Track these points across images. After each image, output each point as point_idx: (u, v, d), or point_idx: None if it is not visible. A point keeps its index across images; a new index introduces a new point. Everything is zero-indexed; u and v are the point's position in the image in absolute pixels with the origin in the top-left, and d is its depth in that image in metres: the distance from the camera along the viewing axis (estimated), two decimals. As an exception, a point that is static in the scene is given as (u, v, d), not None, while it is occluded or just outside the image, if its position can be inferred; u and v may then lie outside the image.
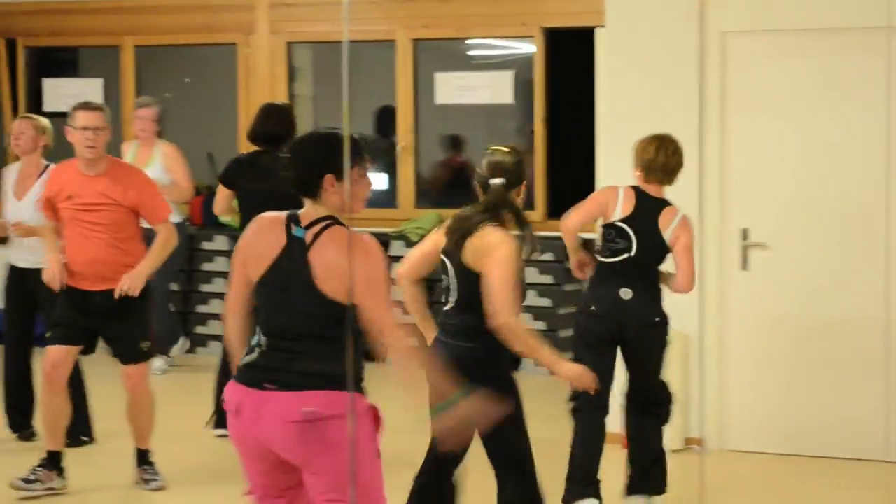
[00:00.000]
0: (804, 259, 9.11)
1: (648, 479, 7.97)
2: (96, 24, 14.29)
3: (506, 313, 6.21)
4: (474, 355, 6.41)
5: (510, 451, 6.54)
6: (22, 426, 9.82)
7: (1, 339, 10.54)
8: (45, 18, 14.39)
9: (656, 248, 7.75)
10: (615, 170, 8.58)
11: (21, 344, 9.87)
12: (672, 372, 8.28)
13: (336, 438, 5.23)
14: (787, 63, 9.11)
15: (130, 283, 8.38)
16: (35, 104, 14.45)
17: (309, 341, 5.34)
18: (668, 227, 7.68)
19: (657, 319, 7.87)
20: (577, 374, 6.66)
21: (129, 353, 8.73)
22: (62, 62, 15.07)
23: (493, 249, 6.28)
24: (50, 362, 8.45)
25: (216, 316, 13.20)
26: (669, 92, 9.05)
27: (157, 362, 12.28)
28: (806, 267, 9.10)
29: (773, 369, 9.15)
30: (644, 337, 7.87)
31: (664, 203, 7.74)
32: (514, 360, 6.73)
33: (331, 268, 5.19)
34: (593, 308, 7.86)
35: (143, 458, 8.85)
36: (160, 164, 11.44)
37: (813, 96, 9.06)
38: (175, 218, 10.92)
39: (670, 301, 8.00)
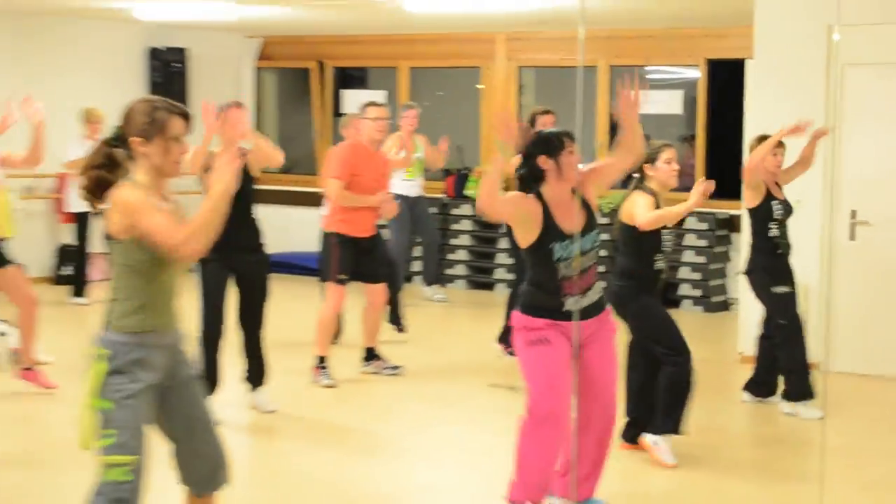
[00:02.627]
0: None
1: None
2: (381, 51, 14.52)
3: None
4: (623, 291, 6.61)
5: (666, 344, 6.66)
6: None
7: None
8: (345, 46, 14.67)
9: None
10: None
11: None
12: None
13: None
14: (890, 87, 9.02)
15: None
16: (335, 108, 14.83)
17: None
18: None
19: None
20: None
21: (379, 277, 8.85)
22: (355, 78, 15.33)
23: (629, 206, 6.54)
24: (343, 295, 8.69)
25: (462, 262, 13.59)
26: (801, 109, 8.78)
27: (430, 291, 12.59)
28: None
29: (871, 310, 9.04)
30: None
31: None
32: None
33: None
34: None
35: (373, 353, 9.03)
36: (421, 148, 11.67)
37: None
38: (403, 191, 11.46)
39: (797, 260, 8.03)
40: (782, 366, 7.92)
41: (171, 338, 4.44)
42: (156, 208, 4.24)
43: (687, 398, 6.73)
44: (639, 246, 6.54)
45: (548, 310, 5.47)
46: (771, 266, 7.84)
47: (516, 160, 5.59)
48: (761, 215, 7.82)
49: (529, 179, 5.50)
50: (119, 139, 4.39)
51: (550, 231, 5.43)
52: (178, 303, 4.49)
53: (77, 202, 11.59)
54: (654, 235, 6.51)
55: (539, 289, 5.54)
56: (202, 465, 4.56)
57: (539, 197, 5.47)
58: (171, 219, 4.27)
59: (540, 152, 5.46)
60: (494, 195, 5.34)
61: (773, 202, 7.80)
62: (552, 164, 5.43)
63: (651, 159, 6.62)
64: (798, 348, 7.83)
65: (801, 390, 7.85)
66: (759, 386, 8.17)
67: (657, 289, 6.75)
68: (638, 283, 6.63)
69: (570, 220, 5.47)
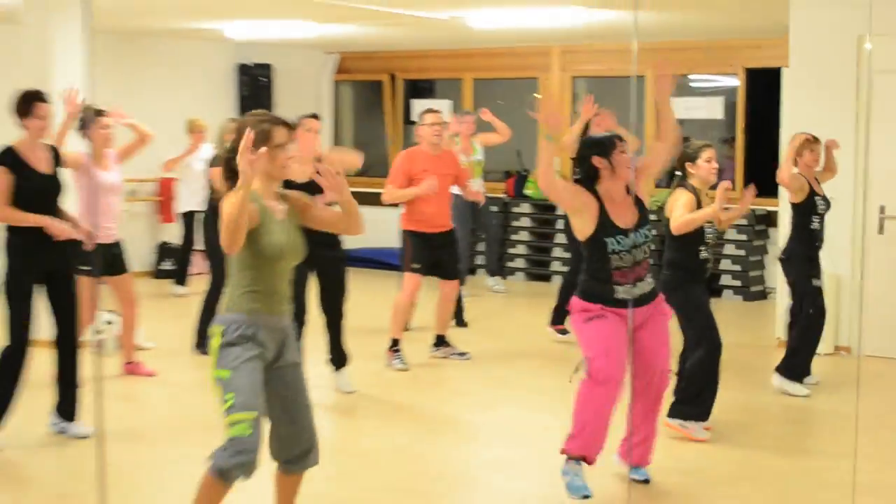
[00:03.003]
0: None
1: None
2: (447, 64, 14.49)
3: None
4: (670, 280, 6.53)
5: (699, 333, 6.57)
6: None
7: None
8: (414, 60, 14.65)
9: None
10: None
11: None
12: (827, 300, 8.11)
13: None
14: None
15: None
16: (405, 116, 14.82)
17: None
18: None
19: None
20: None
21: (454, 273, 8.83)
22: (423, 89, 15.26)
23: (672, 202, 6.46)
24: (417, 284, 8.65)
25: (521, 255, 13.52)
26: (832, 113, 8.86)
27: (492, 282, 12.51)
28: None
29: None
30: None
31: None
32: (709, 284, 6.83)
33: None
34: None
35: (443, 340, 8.99)
36: (480, 150, 11.60)
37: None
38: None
39: (831, 252, 7.94)
40: (793, 344, 7.84)
41: (280, 322, 4.58)
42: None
43: (713, 387, 6.64)
44: (683, 238, 6.44)
45: (602, 297, 5.48)
46: (809, 257, 7.75)
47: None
48: (805, 210, 7.71)
49: (585, 178, 5.52)
50: (234, 150, 4.47)
51: (605, 226, 5.46)
52: (287, 292, 4.60)
53: (184, 202, 11.70)
54: (696, 229, 6.43)
55: (594, 278, 5.55)
56: (296, 445, 4.65)
57: (595, 194, 5.48)
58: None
59: (594, 153, 5.51)
60: (550, 173, 5.37)
61: (816, 197, 7.71)
62: (606, 163, 5.47)
63: (692, 158, 6.58)
64: (815, 334, 7.82)
65: (800, 370, 7.82)
66: None
67: (704, 278, 6.67)
68: (684, 272, 6.56)
69: (624, 216, 5.50)
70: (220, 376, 4.43)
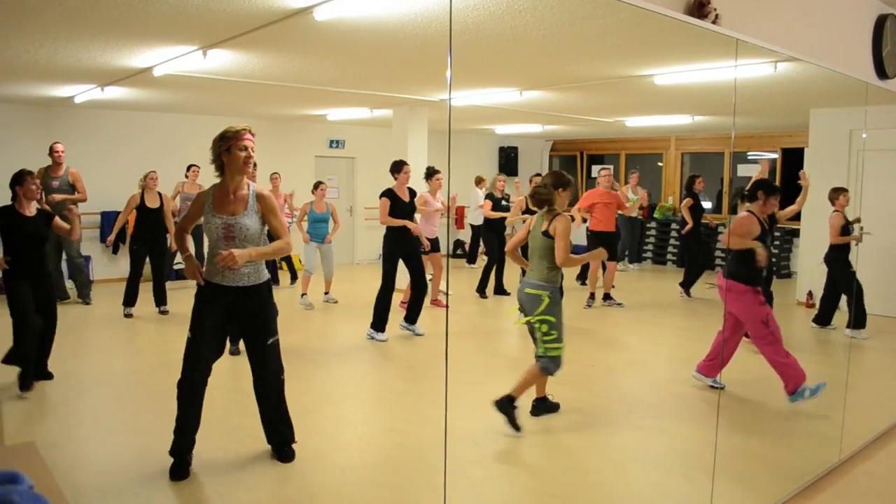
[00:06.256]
0: (887, 236, 8.27)
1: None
2: (611, 146, 14.31)
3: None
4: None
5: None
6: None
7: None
8: (593, 143, 14.51)
9: None
10: (815, 206, 7.94)
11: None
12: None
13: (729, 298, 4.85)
14: (888, 157, 8.31)
15: None
16: (587, 174, 14.68)
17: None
18: None
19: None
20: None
21: (616, 256, 8.35)
22: (598, 160, 15.01)
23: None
24: (598, 266, 8.48)
25: (649, 250, 13.07)
26: (833, 175, 8.37)
27: (632, 266, 12.16)
28: (888, 239, 8.28)
29: (881, 273, 8.27)
30: None
31: None
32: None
33: None
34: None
35: (608, 296, 8.47)
36: (640, 194, 11.36)
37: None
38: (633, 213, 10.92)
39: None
40: (821, 304, 7.37)
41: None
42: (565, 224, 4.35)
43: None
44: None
45: (757, 280, 4.92)
46: (846, 258, 7.31)
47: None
48: (843, 232, 7.29)
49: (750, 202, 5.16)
50: (546, 186, 4.43)
51: (763, 233, 5.03)
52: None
53: (470, 219, 11.71)
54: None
55: (749, 266, 4.88)
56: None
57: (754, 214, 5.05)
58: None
59: (758, 189, 5.11)
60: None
61: (849, 225, 7.33)
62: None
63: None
64: (836, 300, 7.28)
65: (824, 319, 7.32)
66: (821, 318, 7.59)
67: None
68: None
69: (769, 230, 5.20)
70: (549, 320, 4.21)
